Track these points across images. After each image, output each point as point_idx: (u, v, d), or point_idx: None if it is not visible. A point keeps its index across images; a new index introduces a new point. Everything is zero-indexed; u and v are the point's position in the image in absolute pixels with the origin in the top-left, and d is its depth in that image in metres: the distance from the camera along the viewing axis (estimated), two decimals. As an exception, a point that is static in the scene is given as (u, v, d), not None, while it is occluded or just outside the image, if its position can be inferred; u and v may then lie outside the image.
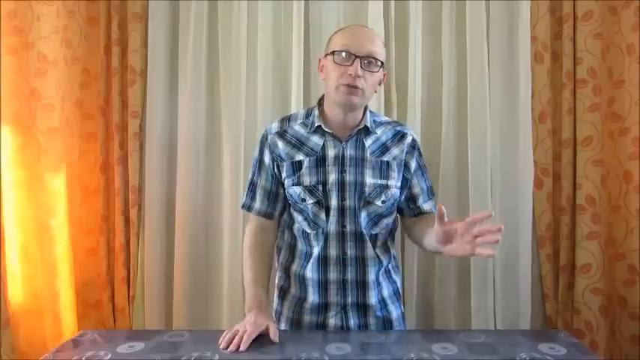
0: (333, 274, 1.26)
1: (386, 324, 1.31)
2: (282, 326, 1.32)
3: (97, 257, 1.78)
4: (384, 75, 1.28)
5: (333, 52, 1.19)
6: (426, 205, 1.34)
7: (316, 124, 1.26)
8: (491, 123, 1.72)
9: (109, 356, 1.06)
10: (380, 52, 1.21)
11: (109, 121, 1.80)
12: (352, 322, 1.27)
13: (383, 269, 1.31)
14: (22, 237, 1.48)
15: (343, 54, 1.17)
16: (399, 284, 1.38)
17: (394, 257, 1.38)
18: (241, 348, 1.07)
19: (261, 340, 1.11)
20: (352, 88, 1.17)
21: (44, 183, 1.52)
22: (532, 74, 1.71)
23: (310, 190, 1.24)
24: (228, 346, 1.08)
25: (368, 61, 1.17)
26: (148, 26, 1.76)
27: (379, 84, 1.26)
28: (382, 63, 1.21)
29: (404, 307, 1.40)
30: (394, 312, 1.33)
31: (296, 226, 1.29)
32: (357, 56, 1.16)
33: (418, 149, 1.34)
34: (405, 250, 1.74)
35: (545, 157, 1.74)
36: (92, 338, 1.17)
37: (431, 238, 1.14)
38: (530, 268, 1.71)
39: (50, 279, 1.53)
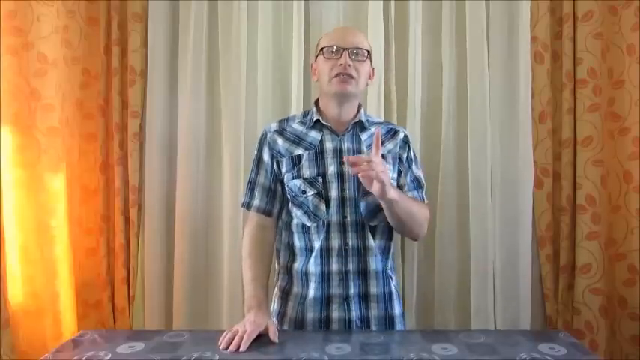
0: (335, 266, 1.27)
1: (387, 320, 1.31)
2: (285, 326, 1.32)
3: (97, 257, 1.78)
4: (373, 69, 1.35)
5: (322, 50, 1.28)
6: (410, 194, 1.34)
7: (314, 119, 1.31)
8: (491, 123, 1.72)
9: (109, 356, 1.06)
10: (365, 44, 1.30)
11: (109, 121, 1.80)
12: (354, 314, 1.27)
13: (386, 264, 1.32)
14: (22, 237, 1.48)
15: (332, 49, 1.26)
16: (396, 283, 1.38)
17: (392, 257, 1.38)
18: (241, 348, 1.07)
19: (261, 340, 1.11)
20: (345, 75, 1.24)
21: (44, 183, 1.52)
22: (532, 74, 1.71)
23: (310, 182, 1.27)
24: (228, 347, 1.08)
25: (356, 51, 1.26)
26: (148, 26, 1.76)
27: (369, 78, 1.33)
28: (369, 52, 1.29)
29: (403, 307, 1.40)
30: (396, 309, 1.33)
31: (294, 222, 1.30)
32: (344, 48, 1.25)
33: (409, 144, 1.39)
34: (404, 250, 1.74)
35: (545, 157, 1.74)
36: (92, 338, 1.17)
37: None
38: (530, 268, 1.71)
39: (50, 279, 1.53)
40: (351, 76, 1.24)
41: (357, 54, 1.25)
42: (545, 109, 1.73)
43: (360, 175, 1.11)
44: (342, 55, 1.24)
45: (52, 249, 1.53)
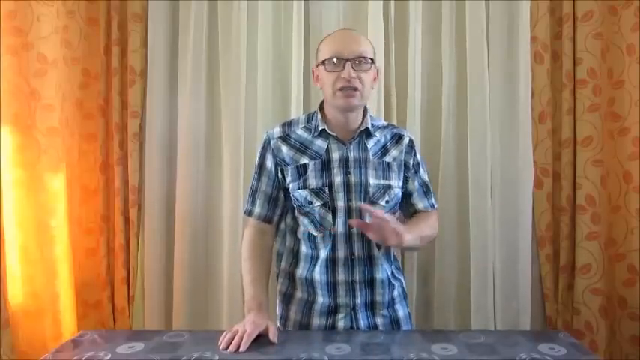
0: (341, 276, 1.26)
1: (394, 323, 1.31)
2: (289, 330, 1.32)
3: (96, 257, 1.78)
4: (377, 71, 1.31)
5: (323, 62, 1.23)
6: (421, 204, 1.37)
7: (320, 128, 1.28)
8: (491, 123, 1.72)
9: (109, 356, 1.06)
10: (368, 51, 1.24)
11: (109, 122, 1.80)
12: (362, 322, 1.27)
13: (391, 270, 1.32)
14: (22, 237, 1.48)
15: (334, 60, 1.21)
16: (404, 284, 1.39)
17: (395, 258, 1.39)
18: (241, 348, 1.07)
19: (261, 340, 1.11)
20: (349, 90, 1.20)
21: (44, 183, 1.52)
22: (532, 74, 1.71)
23: (317, 192, 1.25)
24: (228, 347, 1.08)
25: (358, 61, 1.21)
26: (148, 26, 1.76)
27: (374, 80, 1.29)
28: (372, 60, 1.24)
29: (408, 307, 1.40)
30: (401, 311, 1.33)
31: (301, 229, 1.29)
32: (347, 59, 1.20)
33: (415, 148, 1.37)
34: (405, 251, 1.74)
35: (545, 157, 1.74)
36: (92, 338, 1.17)
37: None
38: (530, 268, 1.71)
39: (50, 279, 1.53)
40: (356, 89, 1.21)
41: (359, 63, 1.21)
42: (545, 109, 1.73)
43: (373, 236, 1.15)
44: (344, 66, 1.19)
45: (52, 249, 1.53)
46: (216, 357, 1.05)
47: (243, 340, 1.08)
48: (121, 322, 1.78)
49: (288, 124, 1.34)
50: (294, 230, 1.31)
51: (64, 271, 1.56)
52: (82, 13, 1.72)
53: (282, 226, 1.36)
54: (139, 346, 1.11)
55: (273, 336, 1.12)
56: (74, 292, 1.61)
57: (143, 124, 1.79)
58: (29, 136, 1.49)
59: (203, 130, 1.79)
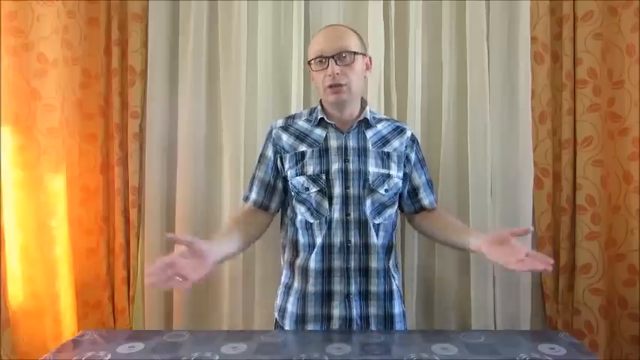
0: (336, 262, 1.27)
1: (387, 319, 1.31)
2: (287, 321, 1.33)
3: (96, 258, 1.78)
4: (369, 59, 1.33)
5: (309, 63, 1.28)
6: (426, 200, 1.40)
7: (319, 117, 1.32)
8: (491, 123, 1.71)
9: (109, 357, 1.06)
10: (351, 44, 1.26)
11: (109, 122, 1.80)
12: (355, 312, 1.28)
13: (388, 263, 1.33)
14: (22, 237, 1.48)
15: (317, 60, 1.25)
16: (399, 282, 1.39)
17: (395, 254, 1.39)
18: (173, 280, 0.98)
19: (261, 340, 1.11)
20: (336, 87, 1.24)
21: (44, 183, 1.52)
22: (532, 75, 1.70)
23: (313, 179, 1.27)
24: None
25: (342, 56, 1.23)
26: (148, 26, 1.76)
27: (367, 69, 1.31)
28: (355, 52, 1.25)
29: (404, 305, 1.40)
30: (396, 307, 1.33)
31: (299, 218, 1.31)
32: (329, 57, 1.23)
33: (417, 143, 1.41)
34: (405, 249, 1.74)
35: (545, 157, 1.73)
36: (92, 339, 1.17)
37: (460, 237, 1.26)
38: (531, 268, 1.71)
39: (50, 279, 1.52)
40: (342, 85, 1.24)
41: (344, 58, 1.23)
42: (545, 110, 1.72)
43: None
44: (328, 64, 1.23)
45: (52, 249, 1.53)
46: (217, 357, 1.05)
47: (155, 266, 0.96)
48: (121, 322, 1.77)
49: (291, 117, 1.40)
50: (294, 221, 1.33)
51: (64, 272, 1.56)
52: (82, 13, 1.72)
53: (286, 220, 1.37)
54: (139, 346, 1.11)
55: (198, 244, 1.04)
56: (74, 292, 1.61)
57: (143, 125, 1.79)
58: (29, 137, 1.49)
59: (203, 130, 1.79)
